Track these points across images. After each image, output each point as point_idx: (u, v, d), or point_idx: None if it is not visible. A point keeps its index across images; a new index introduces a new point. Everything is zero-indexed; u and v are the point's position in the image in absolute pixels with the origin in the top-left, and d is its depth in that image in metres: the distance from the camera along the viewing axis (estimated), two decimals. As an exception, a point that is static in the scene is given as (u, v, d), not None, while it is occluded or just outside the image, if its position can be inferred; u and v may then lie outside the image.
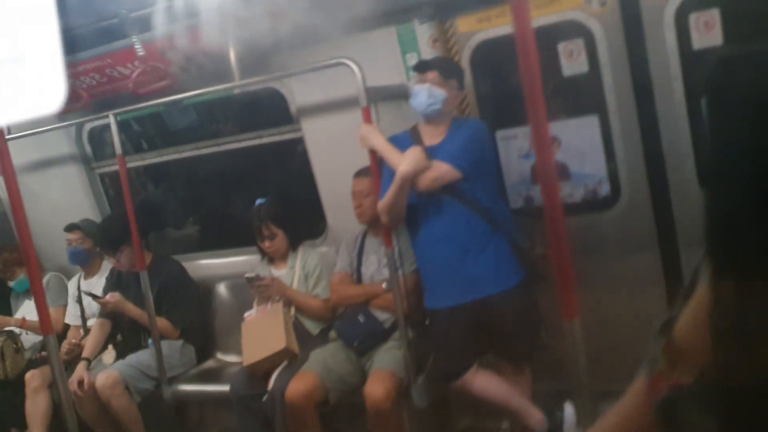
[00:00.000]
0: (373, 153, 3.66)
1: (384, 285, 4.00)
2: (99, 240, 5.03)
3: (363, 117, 3.64)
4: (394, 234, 3.77)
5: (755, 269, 0.73)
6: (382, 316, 4.04)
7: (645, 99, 3.69)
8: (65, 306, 5.33)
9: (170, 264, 4.98)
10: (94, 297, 4.73)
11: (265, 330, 4.17)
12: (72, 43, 4.00)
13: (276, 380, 4.02)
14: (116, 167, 4.75)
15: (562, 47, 3.83)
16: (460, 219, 3.52)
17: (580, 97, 3.92)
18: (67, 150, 5.45)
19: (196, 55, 4.12)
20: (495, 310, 3.52)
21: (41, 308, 3.00)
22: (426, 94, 3.55)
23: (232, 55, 3.88)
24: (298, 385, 3.84)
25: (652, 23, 3.61)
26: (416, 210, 3.62)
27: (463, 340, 3.59)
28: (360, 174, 4.04)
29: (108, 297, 4.66)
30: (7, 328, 5.09)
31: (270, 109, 4.85)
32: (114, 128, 4.45)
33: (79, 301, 5.22)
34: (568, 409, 3.61)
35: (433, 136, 3.61)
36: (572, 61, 3.83)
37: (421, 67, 3.66)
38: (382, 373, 3.81)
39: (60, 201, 5.54)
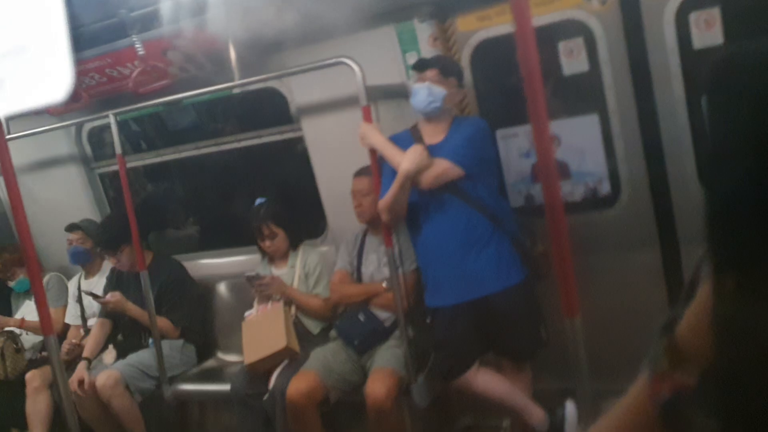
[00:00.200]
0: (373, 152, 3.66)
1: (384, 284, 4.00)
2: (99, 240, 5.03)
3: (363, 116, 3.64)
4: (394, 233, 3.77)
5: (757, 267, 0.73)
6: (383, 315, 4.04)
7: (645, 97, 3.69)
8: (65, 306, 5.33)
9: (171, 264, 4.98)
10: (95, 296, 4.73)
11: (265, 329, 4.17)
12: (72, 43, 3.99)
13: (276, 379, 4.02)
14: (116, 167, 4.75)
15: (562, 46, 3.83)
16: (461, 217, 3.52)
17: (580, 95, 3.91)
18: (67, 150, 5.45)
19: (196, 54, 4.12)
20: (496, 308, 3.52)
21: (42, 308, 2.99)
22: (426, 92, 3.54)
23: (232, 55, 3.88)
24: (299, 384, 3.84)
25: (652, 21, 3.61)
26: (418, 208, 3.62)
27: (464, 338, 3.59)
28: (360, 173, 4.04)
29: (108, 297, 4.66)
30: (7, 329, 5.09)
31: (270, 108, 4.85)
32: (114, 128, 4.45)
33: (80, 301, 5.22)
34: (570, 407, 3.61)
35: (433, 134, 3.61)
36: (572, 60, 3.83)
37: (420, 66, 3.65)
38: (383, 371, 3.81)
39: (60, 201, 5.54)
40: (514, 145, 4.03)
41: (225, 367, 4.89)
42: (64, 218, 5.26)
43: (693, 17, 3.53)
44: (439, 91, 3.53)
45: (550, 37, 3.80)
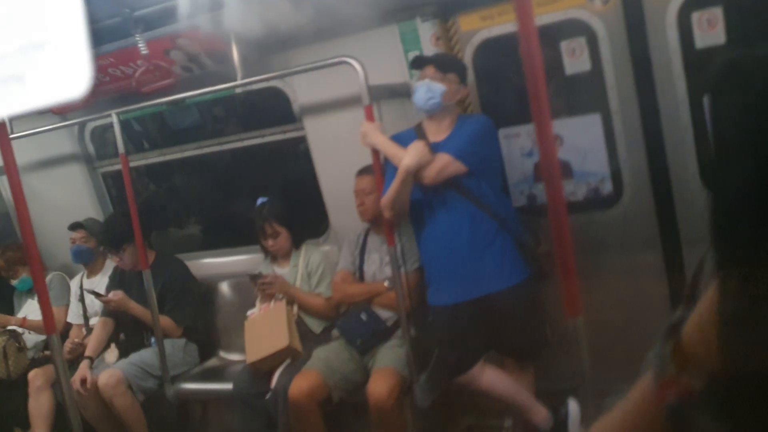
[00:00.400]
0: (375, 151, 3.66)
1: (386, 283, 4.00)
2: (102, 239, 5.03)
3: (365, 116, 3.64)
4: (397, 232, 3.77)
5: (760, 266, 0.73)
6: (385, 314, 4.04)
7: (647, 97, 3.69)
8: (68, 305, 5.33)
9: (173, 263, 4.98)
10: (97, 295, 4.73)
11: (268, 328, 4.18)
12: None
13: (279, 378, 4.02)
14: (119, 166, 4.75)
15: (564, 45, 3.83)
16: (465, 215, 3.51)
17: (582, 95, 3.91)
18: (70, 149, 5.46)
19: (199, 54, 4.13)
20: (499, 307, 3.51)
21: (44, 307, 2.99)
22: (424, 89, 3.55)
23: (235, 54, 3.88)
24: (301, 384, 3.84)
25: (654, 21, 3.61)
26: (421, 206, 3.62)
27: (467, 335, 3.59)
28: (362, 172, 4.05)
29: (111, 295, 4.66)
30: (9, 328, 5.10)
31: (272, 108, 4.85)
32: (117, 127, 4.45)
33: (82, 299, 5.23)
34: (572, 405, 3.60)
35: (437, 132, 3.62)
36: (575, 60, 3.83)
37: (418, 63, 3.68)
38: (385, 371, 3.81)
39: (63, 200, 5.55)
40: (517, 145, 4.03)
41: (227, 366, 4.89)
42: (66, 217, 5.26)
43: (695, 17, 3.53)
44: (438, 87, 3.53)
45: (552, 36, 3.80)
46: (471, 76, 3.98)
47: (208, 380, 4.74)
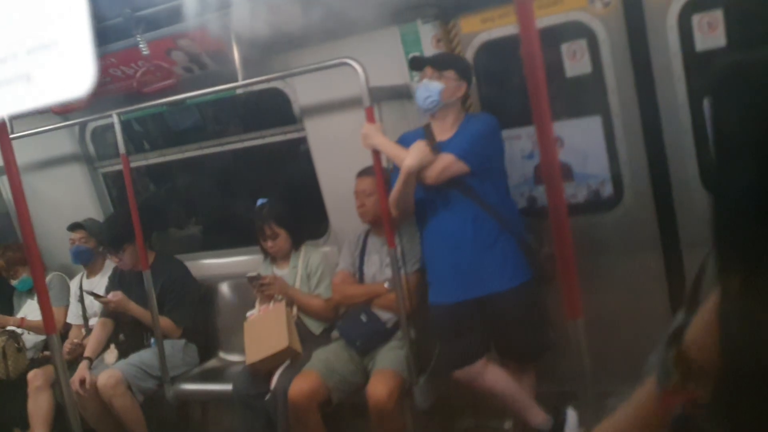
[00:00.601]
0: (376, 153, 3.66)
1: (386, 284, 4.00)
2: (102, 239, 5.03)
3: (366, 117, 3.64)
4: (397, 233, 3.77)
5: (761, 267, 0.73)
6: (385, 315, 4.04)
7: (648, 100, 3.69)
8: (67, 305, 5.33)
9: (173, 263, 4.98)
10: (96, 296, 4.73)
11: (267, 329, 4.17)
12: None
13: (278, 379, 4.02)
14: (119, 167, 4.76)
15: (565, 48, 3.83)
16: (467, 215, 3.51)
17: (583, 97, 3.91)
18: (71, 149, 5.46)
19: (200, 54, 4.13)
20: (500, 307, 3.52)
21: (44, 307, 2.99)
22: (423, 88, 3.57)
23: (236, 55, 3.88)
24: (301, 385, 3.84)
25: (655, 24, 3.61)
26: (425, 204, 3.64)
27: (468, 331, 3.59)
28: (363, 173, 4.05)
29: (110, 296, 4.66)
30: (8, 328, 5.10)
31: (273, 109, 4.85)
32: (117, 128, 4.45)
33: (81, 300, 5.22)
34: (571, 414, 3.60)
35: (443, 131, 3.62)
36: (575, 62, 3.83)
37: (416, 65, 3.69)
38: (385, 372, 3.81)
39: (63, 200, 5.55)
40: (517, 147, 4.03)
41: (227, 367, 4.88)
42: (67, 217, 5.26)
43: (696, 19, 3.53)
44: (435, 85, 3.54)
45: (553, 39, 3.80)
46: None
47: (207, 381, 4.74)
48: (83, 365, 4.60)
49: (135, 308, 4.68)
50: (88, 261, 5.25)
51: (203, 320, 5.04)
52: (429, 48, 4.02)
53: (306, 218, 4.81)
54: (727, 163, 0.76)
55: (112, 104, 4.48)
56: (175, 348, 4.74)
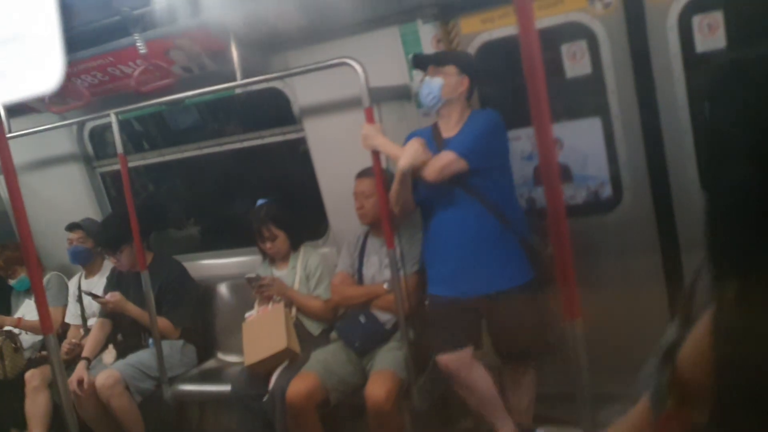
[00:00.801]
0: (376, 153, 3.65)
1: (385, 286, 4.00)
2: (100, 239, 5.02)
3: (366, 117, 3.63)
4: (396, 235, 3.76)
5: (757, 275, 0.72)
6: (384, 316, 4.03)
7: (648, 101, 3.69)
8: (65, 306, 5.32)
9: (171, 264, 4.97)
10: (94, 296, 4.72)
11: (266, 330, 4.17)
12: (74, 42, 4.00)
13: (276, 380, 4.01)
14: (117, 166, 4.75)
15: (565, 49, 3.83)
16: (469, 212, 3.50)
17: (582, 98, 3.91)
18: (69, 149, 5.45)
19: (198, 54, 4.12)
20: (500, 307, 3.50)
21: (41, 307, 2.98)
22: (424, 86, 3.58)
23: (235, 55, 3.87)
24: (299, 386, 3.83)
25: (655, 25, 3.61)
26: (429, 200, 3.63)
27: (460, 320, 3.58)
28: (362, 175, 4.04)
29: (108, 297, 4.65)
30: (5, 328, 5.09)
31: (272, 109, 4.85)
32: (115, 127, 4.44)
33: (80, 300, 5.22)
34: None
35: (448, 128, 3.61)
36: (575, 63, 3.83)
37: (418, 63, 3.70)
38: (383, 373, 3.80)
39: (61, 200, 5.54)
40: (517, 148, 4.02)
41: (225, 367, 4.88)
42: (64, 217, 5.26)
43: (696, 21, 3.53)
44: (435, 82, 3.54)
45: (553, 39, 3.80)
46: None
47: (205, 382, 4.73)
48: (81, 365, 4.59)
49: (133, 309, 4.68)
50: (86, 261, 5.25)
51: (201, 321, 5.04)
52: (429, 48, 4.01)
53: (305, 219, 4.81)
54: (723, 163, 0.75)
55: (110, 103, 4.47)
56: (173, 348, 4.73)
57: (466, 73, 3.60)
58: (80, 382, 4.45)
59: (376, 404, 3.69)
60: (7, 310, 5.45)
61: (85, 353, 4.71)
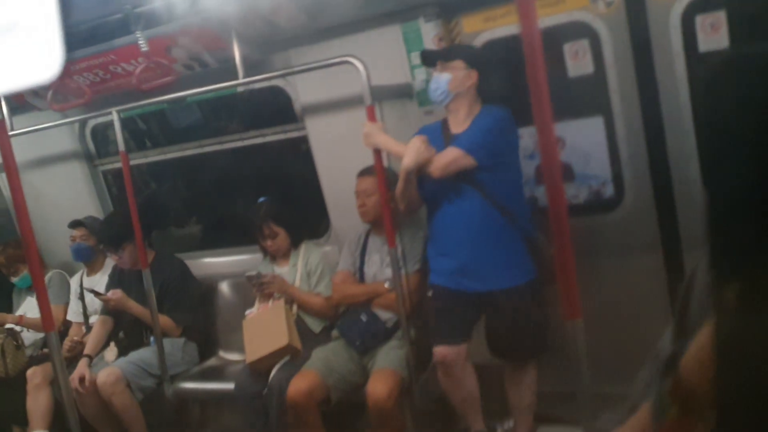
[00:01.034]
0: (377, 152, 3.65)
1: (386, 284, 3.99)
2: (102, 237, 5.03)
3: (367, 116, 3.63)
4: (397, 233, 3.76)
5: (758, 272, 0.71)
6: (385, 315, 4.03)
7: (650, 100, 3.68)
8: (67, 303, 5.32)
9: (173, 262, 4.97)
10: (97, 294, 4.73)
11: (267, 327, 4.17)
12: (76, 39, 4.00)
13: (276, 374, 4.02)
14: (119, 164, 4.75)
15: (567, 48, 3.82)
16: (474, 208, 3.48)
17: (585, 97, 3.90)
18: (70, 147, 5.45)
19: (200, 52, 4.12)
20: (500, 304, 3.50)
21: (43, 305, 2.99)
22: (433, 82, 3.58)
23: (237, 53, 3.87)
24: (300, 384, 3.83)
25: (658, 24, 3.60)
26: (434, 195, 3.62)
27: (459, 314, 3.59)
28: (364, 173, 4.04)
29: (110, 294, 4.66)
30: (7, 326, 5.09)
31: (274, 107, 4.84)
32: (117, 125, 4.45)
33: (82, 298, 5.22)
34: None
35: (457, 124, 3.60)
36: (578, 62, 3.82)
37: (426, 60, 3.70)
38: (384, 372, 3.80)
39: (62, 198, 5.55)
40: (519, 147, 4.02)
41: (227, 366, 4.88)
42: (67, 215, 5.26)
43: (699, 20, 3.52)
44: (443, 77, 3.53)
45: (555, 38, 3.79)
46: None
47: (207, 380, 4.73)
48: (83, 363, 4.60)
49: (135, 306, 4.68)
50: (88, 259, 5.25)
51: (203, 319, 5.04)
52: (431, 47, 4.00)
53: (307, 217, 4.81)
54: (725, 161, 0.75)
55: (112, 101, 4.47)
56: (175, 346, 4.73)
57: (474, 66, 3.58)
58: (82, 380, 4.46)
59: (377, 403, 3.69)
60: (9, 308, 5.45)
61: (86, 351, 4.72)
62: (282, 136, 4.83)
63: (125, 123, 4.83)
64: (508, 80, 3.69)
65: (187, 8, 3.44)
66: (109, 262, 5.15)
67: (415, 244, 4.00)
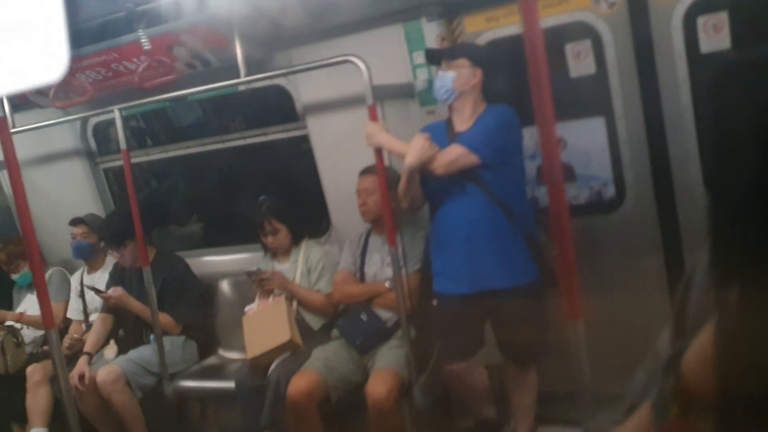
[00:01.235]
0: (379, 151, 3.65)
1: (387, 284, 3.99)
2: (104, 235, 5.03)
3: (369, 115, 3.62)
4: (398, 233, 3.76)
5: (760, 273, 0.71)
6: (385, 315, 4.03)
7: (652, 101, 3.68)
8: (67, 301, 5.33)
9: (173, 260, 4.97)
10: (97, 291, 4.72)
11: (268, 322, 4.17)
12: (78, 38, 4.00)
13: (274, 368, 4.03)
14: (121, 162, 4.75)
15: (569, 48, 3.82)
16: (476, 207, 3.47)
17: (586, 98, 3.90)
18: (72, 144, 5.45)
19: (202, 50, 4.12)
20: (502, 304, 3.49)
21: (43, 302, 2.99)
22: (437, 81, 3.58)
23: (239, 52, 3.87)
24: (300, 383, 3.83)
25: (660, 25, 3.60)
26: (437, 192, 3.62)
27: (468, 325, 3.58)
28: (365, 172, 4.04)
29: (110, 291, 4.66)
30: (7, 323, 5.09)
31: (276, 106, 4.84)
32: (119, 123, 4.44)
33: (82, 295, 5.22)
34: None
35: (461, 122, 3.59)
36: (579, 63, 3.82)
37: (431, 59, 3.70)
38: (384, 372, 3.80)
39: (64, 195, 5.54)
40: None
41: (227, 364, 4.88)
42: (67, 212, 5.26)
43: (701, 21, 3.52)
44: (448, 75, 3.52)
45: (557, 39, 3.79)
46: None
47: (206, 378, 4.73)
48: (83, 360, 4.60)
49: (135, 304, 4.68)
50: (88, 256, 5.25)
51: (203, 317, 5.04)
52: (433, 46, 4.00)
53: (308, 216, 4.81)
54: (728, 162, 0.75)
55: (114, 99, 4.47)
56: (175, 345, 4.73)
57: (479, 65, 3.57)
58: (81, 378, 4.46)
59: (377, 402, 3.69)
60: (9, 305, 5.45)
61: (86, 348, 4.72)
62: (283, 135, 4.83)
63: (127, 121, 4.83)
64: (505, 84, 3.69)
65: (189, 7, 3.44)
66: (110, 260, 5.16)
67: (416, 244, 3.99)
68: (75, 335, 4.99)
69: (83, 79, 4.34)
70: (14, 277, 5.40)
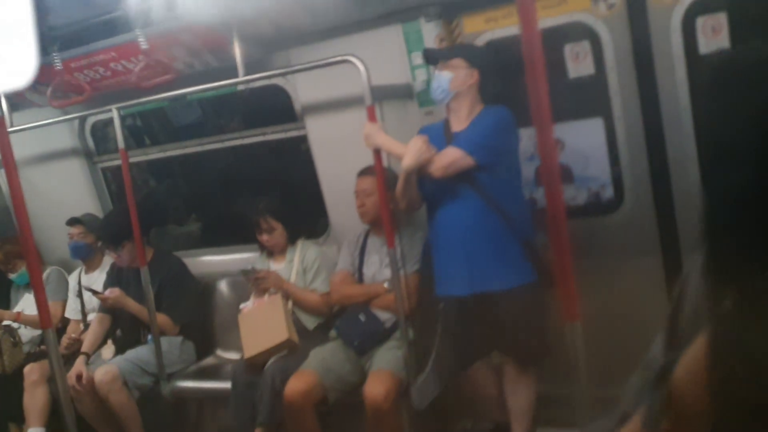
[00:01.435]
0: (377, 152, 3.64)
1: (385, 285, 3.99)
2: (102, 234, 5.02)
3: (368, 116, 3.62)
4: (397, 234, 3.75)
5: (757, 277, 0.70)
6: (383, 316, 4.03)
7: (650, 103, 3.68)
8: (64, 300, 5.32)
9: (171, 260, 4.97)
10: (94, 292, 4.72)
11: (265, 321, 4.16)
12: (77, 37, 3.99)
13: (270, 365, 4.04)
14: (119, 162, 4.74)
15: (568, 49, 3.82)
16: (473, 209, 3.46)
17: (585, 99, 3.89)
18: (70, 144, 5.44)
19: (200, 50, 4.12)
20: (500, 306, 3.49)
21: (41, 302, 2.98)
22: (433, 81, 3.58)
23: (237, 51, 3.87)
24: (297, 384, 3.83)
25: (659, 27, 3.60)
26: (434, 194, 3.61)
27: (472, 330, 3.57)
28: (363, 173, 4.03)
29: (108, 292, 4.65)
30: (5, 322, 5.08)
31: (274, 106, 4.84)
32: (117, 122, 4.44)
33: (80, 295, 5.21)
34: None
35: (458, 122, 3.59)
36: (578, 64, 3.81)
37: (429, 59, 3.70)
38: (382, 373, 3.80)
39: (61, 195, 5.53)
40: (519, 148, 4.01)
41: (224, 364, 4.88)
42: (65, 212, 5.25)
43: (700, 22, 3.52)
44: (444, 75, 3.52)
45: (556, 40, 3.79)
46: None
47: (204, 378, 4.73)
48: (80, 360, 4.60)
49: (132, 305, 4.67)
50: (86, 256, 5.24)
51: (201, 317, 5.03)
52: (431, 47, 4.00)
53: (305, 217, 4.80)
54: (725, 163, 0.74)
55: (112, 99, 4.47)
56: (172, 345, 4.73)
57: (476, 66, 3.56)
58: (79, 377, 4.45)
59: (375, 403, 3.68)
60: (7, 305, 5.44)
61: (84, 348, 4.72)
62: (282, 135, 4.82)
63: (125, 120, 4.83)
64: (503, 85, 3.69)
65: (187, 6, 3.44)
66: (108, 260, 5.15)
67: (414, 245, 3.99)
68: (72, 335, 4.99)
69: (81, 78, 4.33)
70: (12, 276, 5.39)
